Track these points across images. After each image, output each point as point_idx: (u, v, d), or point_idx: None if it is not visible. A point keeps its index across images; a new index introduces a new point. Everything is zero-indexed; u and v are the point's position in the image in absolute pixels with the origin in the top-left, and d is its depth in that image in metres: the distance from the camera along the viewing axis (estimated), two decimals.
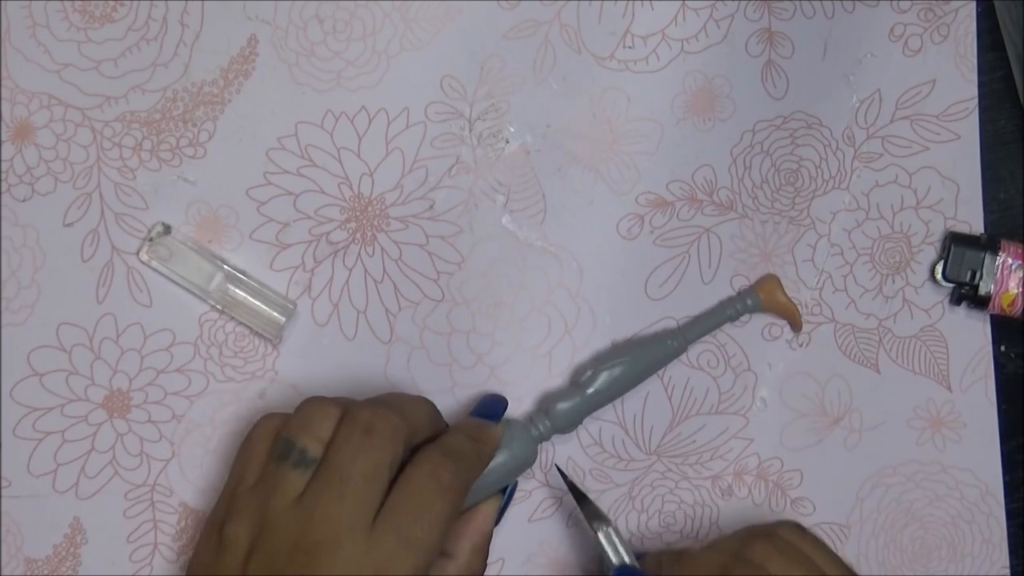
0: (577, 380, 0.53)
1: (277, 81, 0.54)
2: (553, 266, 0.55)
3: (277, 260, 0.54)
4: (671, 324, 0.56)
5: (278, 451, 0.45)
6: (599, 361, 0.54)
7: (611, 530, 0.51)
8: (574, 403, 0.53)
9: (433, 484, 0.45)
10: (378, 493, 0.44)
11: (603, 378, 0.53)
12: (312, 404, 0.47)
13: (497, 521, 0.50)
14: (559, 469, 0.53)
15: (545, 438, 0.52)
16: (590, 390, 0.53)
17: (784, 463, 0.56)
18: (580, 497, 0.52)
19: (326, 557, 0.42)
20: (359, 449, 0.44)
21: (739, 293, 0.56)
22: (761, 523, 0.52)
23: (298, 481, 0.44)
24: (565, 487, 0.53)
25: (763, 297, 0.55)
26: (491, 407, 0.52)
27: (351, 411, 0.46)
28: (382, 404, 0.47)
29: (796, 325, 0.56)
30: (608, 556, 0.51)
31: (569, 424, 0.53)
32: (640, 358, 0.54)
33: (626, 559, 0.51)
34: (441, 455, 0.46)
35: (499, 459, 0.50)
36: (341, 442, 0.45)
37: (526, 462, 0.51)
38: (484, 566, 0.49)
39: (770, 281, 0.55)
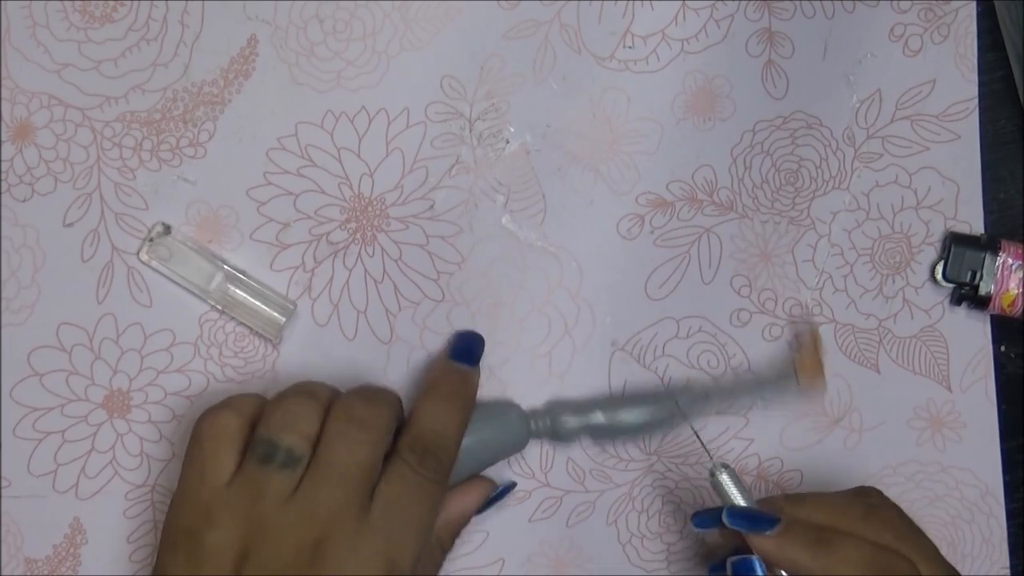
0: (597, 407, 0.53)
1: (277, 81, 0.54)
2: (553, 266, 0.55)
3: (277, 260, 0.54)
4: (671, 324, 0.56)
5: (260, 453, 0.44)
6: (630, 401, 0.53)
7: (727, 477, 0.48)
8: (580, 426, 0.53)
9: (421, 478, 0.45)
10: (372, 485, 0.44)
11: (620, 423, 0.53)
12: (290, 400, 0.46)
13: (481, 510, 0.50)
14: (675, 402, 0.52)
15: (539, 436, 0.52)
16: (602, 423, 0.53)
17: (784, 463, 0.56)
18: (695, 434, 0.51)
19: (333, 553, 0.42)
20: (356, 444, 0.44)
21: (779, 377, 0.54)
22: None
23: (287, 481, 0.43)
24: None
25: (803, 381, 0.54)
26: (469, 349, 0.51)
27: (342, 405, 0.46)
28: (368, 398, 0.46)
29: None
30: (728, 497, 0.47)
31: (567, 440, 0.53)
32: (664, 420, 0.53)
33: (741, 500, 0.47)
34: (424, 445, 0.46)
35: (490, 432, 0.50)
36: (335, 437, 0.44)
37: (516, 445, 0.51)
38: (452, 546, 0.50)
39: (811, 364, 0.54)
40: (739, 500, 0.47)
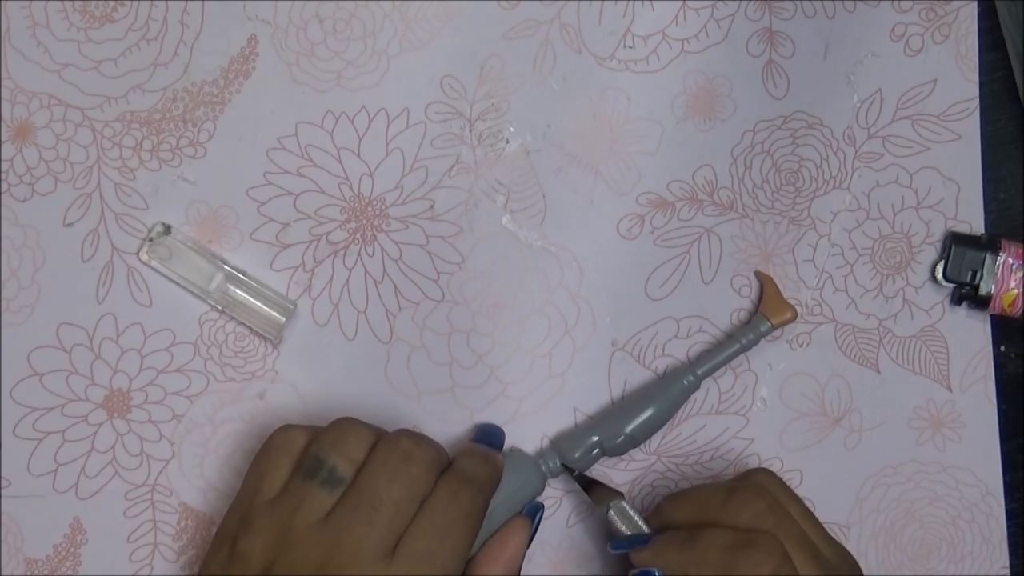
0: (596, 432, 0.53)
1: (277, 81, 0.54)
2: (553, 266, 0.55)
3: (277, 260, 0.54)
4: (671, 324, 0.56)
5: (306, 467, 0.45)
6: (621, 416, 0.53)
7: (623, 504, 0.51)
8: (587, 454, 0.52)
9: (454, 509, 0.45)
10: (405, 521, 0.44)
11: (622, 439, 0.52)
12: (346, 424, 0.47)
13: (527, 547, 0.50)
14: (563, 464, 0.53)
15: (554, 475, 0.52)
16: (607, 445, 0.53)
17: (784, 463, 0.56)
18: (587, 484, 0.52)
19: None
20: (395, 476, 0.44)
21: (749, 322, 0.55)
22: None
23: (325, 500, 0.44)
24: (572, 480, 0.53)
25: (774, 321, 0.54)
26: (491, 435, 0.52)
27: (390, 436, 0.46)
28: (417, 436, 0.47)
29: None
30: (619, 530, 0.51)
31: (581, 467, 0.53)
32: (658, 413, 0.53)
33: (632, 529, 0.50)
34: (460, 481, 0.46)
35: (507, 485, 0.50)
36: (377, 466, 0.45)
37: (534, 491, 0.51)
38: None
39: (772, 301, 0.55)
40: (638, 524, 0.51)
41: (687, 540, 0.48)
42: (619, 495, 0.51)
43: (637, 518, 0.51)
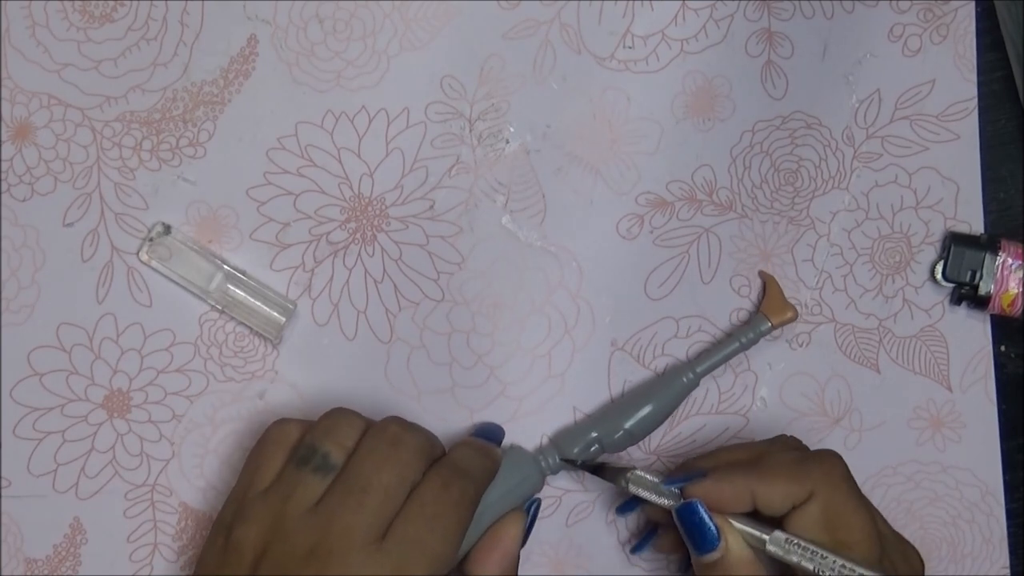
0: (595, 428, 0.53)
1: (277, 81, 0.54)
2: (553, 266, 0.55)
3: (277, 260, 0.54)
4: (671, 324, 0.56)
5: (299, 455, 0.45)
6: (620, 412, 0.53)
7: (640, 472, 0.50)
8: (586, 450, 0.52)
9: (445, 497, 0.45)
10: (395, 507, 0.44)
11: (621, 434, 0.52)
12: (337, 413, 0.47)
13: (523, 542, 0.50)
14: (563, 459, 0.53)
15: (553, 472, 0.52)
16: (606, 441, 0.52)
17: None
18: (595, 467, 0.52)
19: (338, 566, 0.42)
20: (384, 461, 0.45)
21: (749, 321, 0.55)
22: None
23: (317, 487, 0.44)
24: (573, 478, 0.53)
25: (774, 320, 0.55)
26: (490, 431, 0.52)
27: (379, 423, 0.47)
28: (406, 423, 0.47)
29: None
30: (643, 496, 0.50)
31: (583, 467, 0.53)
32: (657, 410, 0.53)
33: (655, 492, 0.50)
34: (451, 470, 0.46)
35: (505, 480, 0.50)
36: (365, 452, 0.45)
37: (532, 487, 0.51)
38: None
39: (774, 301, 0.55)
40: (660, 487, 0.50)
41: (749, 464, 0.49)
42: (632, 467, 0.50)
43: (659, 481, 0.50)
